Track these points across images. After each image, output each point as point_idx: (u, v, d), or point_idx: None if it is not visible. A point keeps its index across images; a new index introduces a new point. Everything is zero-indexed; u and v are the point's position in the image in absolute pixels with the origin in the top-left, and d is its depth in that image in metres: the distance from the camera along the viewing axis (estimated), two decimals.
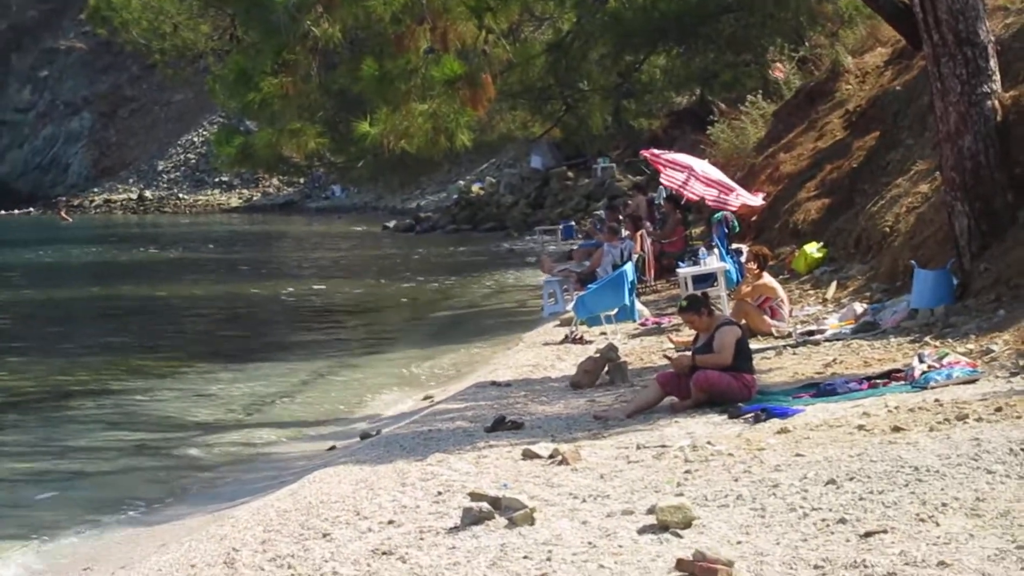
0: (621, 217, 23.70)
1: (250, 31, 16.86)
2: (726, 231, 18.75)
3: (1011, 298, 12.36)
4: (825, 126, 21.94)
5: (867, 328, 13.57)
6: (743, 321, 13.45)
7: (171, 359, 19.97)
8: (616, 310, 16.99)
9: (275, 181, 65.93)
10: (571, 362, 14.36)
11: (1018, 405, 9.10)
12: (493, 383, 14.02)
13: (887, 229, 16.40)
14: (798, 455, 8.65)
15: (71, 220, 63.68)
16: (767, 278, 15.19)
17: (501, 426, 11.02)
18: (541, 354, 15.96)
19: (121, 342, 22.72)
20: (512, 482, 8.84)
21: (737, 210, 19.20)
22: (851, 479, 7.80)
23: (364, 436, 12.62)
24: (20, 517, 11.19)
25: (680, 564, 6.42)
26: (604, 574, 6.69)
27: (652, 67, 31.20)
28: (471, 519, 7.80)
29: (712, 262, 17.44)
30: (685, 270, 17.44)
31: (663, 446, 9.50)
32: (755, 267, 15.22)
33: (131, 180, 73.72)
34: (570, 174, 43.46)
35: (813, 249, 17.92)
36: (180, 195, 70.93)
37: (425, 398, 14.78)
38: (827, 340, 13.51)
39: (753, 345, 12.33)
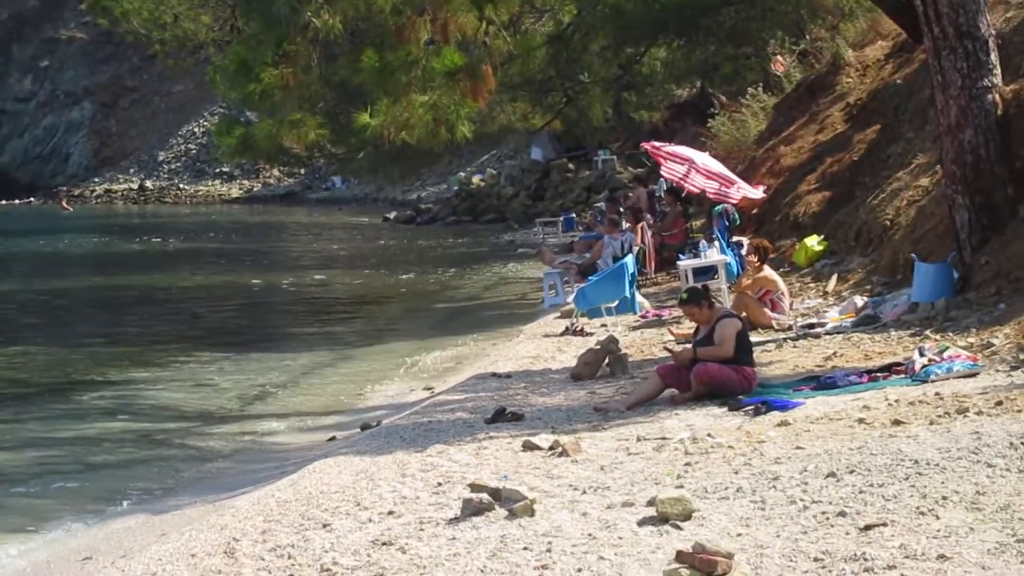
0: (622, 209, 23.66)
1: (251, 22, 16.83)
2: (727, 224, 18.71)
3: (1011, 292, 12.35)
4: (826, 119, 21.91)
5: (867, 321, 13.58)
6: (744, 314, 13.45)
7: (172, 349, 19.96)
8: (617, 302, 17.02)
9: (276, 172, 65.92)
10: (571, 354, 14.36)
11: (1018, 399, 9.10)
12: (493, 374, 14.02)
13: (888, 222, 16.39)
14: (798, 448, 8.66)
15: (72, 210, 63.65)
16: (768, 271, 15.19)
17: (501, 417, 11.03)
18: (541, 346, 15.96)
19: (122, 332, 22.75)
20: (512, 473, 8.85)
21: (738, 203, 19.21)
22: (851, 472, 7.81)
23: (364, 427, 12.63)
24: (21, 507, 11.21)
25: (680, 556, 6.42)
26: (604, 566, 6.70)
27: (653, 59, 31.25)
28: (471, 510, 7.81)
29: (713, 255, 17.43)
30: (686, 263, 17.43)
31: (663, 438, 9.51)
32: (756, 260, 15.20)
33: (132, 170, 73.65)
34: (571, 166, 43.38)
35: (814, 242, 17.91)
36: (181, 185, 70.86)
37: (425, 389, 14.79)
38: (827, 333, 13.51)
39: (753, 338, 12.33)
